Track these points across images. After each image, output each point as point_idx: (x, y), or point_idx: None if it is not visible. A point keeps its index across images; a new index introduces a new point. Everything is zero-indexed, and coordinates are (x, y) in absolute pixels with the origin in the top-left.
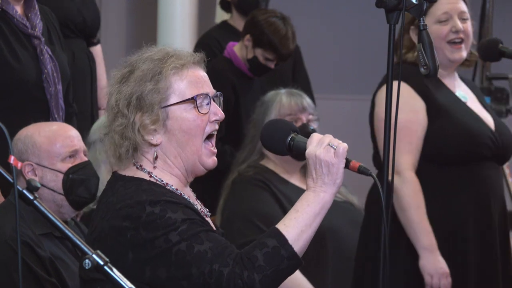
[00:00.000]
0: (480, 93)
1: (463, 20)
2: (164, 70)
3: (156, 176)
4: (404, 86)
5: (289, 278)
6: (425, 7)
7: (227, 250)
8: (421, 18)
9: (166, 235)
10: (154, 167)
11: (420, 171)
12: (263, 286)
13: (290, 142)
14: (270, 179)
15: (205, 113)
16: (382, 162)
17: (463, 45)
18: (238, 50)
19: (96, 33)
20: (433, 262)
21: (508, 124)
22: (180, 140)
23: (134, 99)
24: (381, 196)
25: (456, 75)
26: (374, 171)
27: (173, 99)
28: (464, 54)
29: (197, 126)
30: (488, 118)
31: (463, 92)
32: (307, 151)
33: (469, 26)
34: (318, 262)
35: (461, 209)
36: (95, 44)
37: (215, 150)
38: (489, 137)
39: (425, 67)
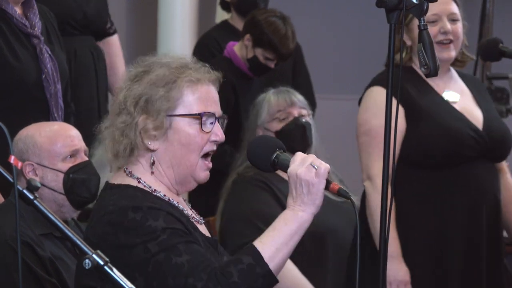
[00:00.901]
0: (480, 87)
1: (452, 21)
2: (179, 80)
3: (145, 182)
4: (381, 90)
5: (289, 278)
6: (425, 7)
7: (203, 264)
8: (422, 18)
9: (145, 244)
10: (152, 172)
11: (406, 176)
12: None
13: (274, 159)
14: (270, 179)
15: (207, 132)
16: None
17: (451, 45)
18: (238, 49)
19: (102, 26)
20: (395, 270)
21: (508, 124)
22: (176, 152)
23: (142, 101)
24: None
25: (452, 73)
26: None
27: (180, 111)
28: (452, 53)
29: (196, 142)
30: (477, 116)
31: (455, 91)
32: (289, 170)
33: (459, 27)
34: (318, 262)
35: (448, 213)
36: (111, 34)
37: (210, 166)
38: (471, 137)
39: (425, 66)
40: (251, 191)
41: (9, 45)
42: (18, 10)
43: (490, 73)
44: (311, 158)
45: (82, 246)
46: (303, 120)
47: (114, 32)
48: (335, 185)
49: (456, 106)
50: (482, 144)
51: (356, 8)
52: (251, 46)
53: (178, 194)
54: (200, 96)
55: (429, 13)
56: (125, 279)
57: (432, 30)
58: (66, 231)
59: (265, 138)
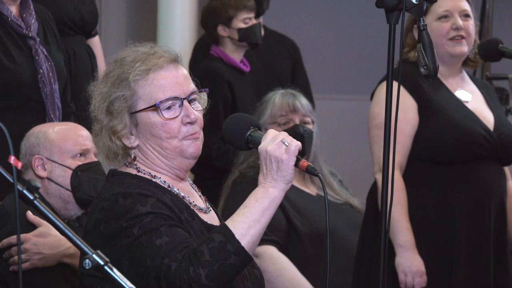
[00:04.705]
0: (491, 92)
1: (464, 17)
2: (130, 77)
3: (143, 170)
4: (396, 85)
5: (288, 278)
6: (425, 7)
7: (181, 246)
8: (421, 18)
9: (131, 228)
10: (137, 169)
11: (415, 170)
12: (210, 281)
13: (248, 136)
14: None
15: (175, 117)
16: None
17: (464, 41)
18: (223, 47)
19: (94, 27)
20: (409, 260)
21: None
22: (153, 144)
23: (105, 105)
24: (383, 194)
25: (464, 74)
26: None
27: (140, 105)
28: (465, 48)
29: (167, 131)
30: (488, 118)
31: (466, 91)
32: (259, 146)
33: (470, 24)
34: (317, 263)
35: (454, 208)
36: (92, 36)
37: (197, 135)
38: (483, 136)
39: (425, 67)
40: (251, 191)
41: (4, 47)
42: (14, 11)
43: (490, 73)
44: (283, 135)
45: (82, 246)
46: (303, 128)
47: (96, 33)
48: (304, 162)
49: (468, 105)
50: (493, 145)
51: (356, 8)
52: (227, 27)
53: (182, 179)
54: (156, 84)
55: (441, 9)
56: (125, 279)
57: (444, 26)
58: (66, 231)
59: (240, 116)
